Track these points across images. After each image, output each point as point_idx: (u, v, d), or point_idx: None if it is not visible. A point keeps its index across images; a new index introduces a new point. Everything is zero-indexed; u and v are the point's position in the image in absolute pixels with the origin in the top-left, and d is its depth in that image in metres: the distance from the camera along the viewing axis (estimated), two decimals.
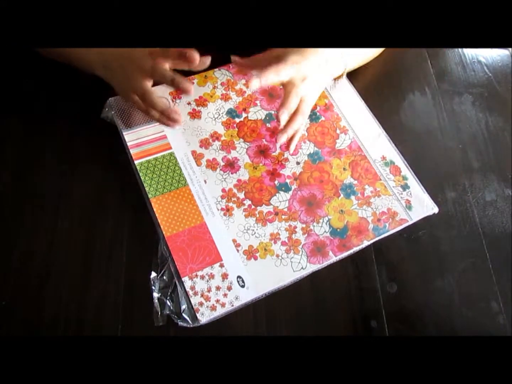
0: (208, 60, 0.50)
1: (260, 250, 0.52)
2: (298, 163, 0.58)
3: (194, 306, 0.48)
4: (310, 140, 0.60)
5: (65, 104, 0.59)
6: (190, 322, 0.47)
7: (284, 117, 0.53)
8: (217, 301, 0.48)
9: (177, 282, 0.49)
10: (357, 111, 0.62)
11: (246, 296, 0.49)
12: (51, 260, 0.50)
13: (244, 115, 0.60)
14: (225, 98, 0.61)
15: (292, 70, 0.52)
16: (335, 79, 0.61)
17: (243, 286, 0.49)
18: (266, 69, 0.50)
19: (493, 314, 0.52)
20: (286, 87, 0.53)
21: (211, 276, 0.50)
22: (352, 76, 0.64)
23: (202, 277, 0.49)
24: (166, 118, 0.53)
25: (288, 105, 0.53)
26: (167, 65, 0.51)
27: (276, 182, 0.56)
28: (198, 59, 0.48)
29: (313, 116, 0.61)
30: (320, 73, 0.56)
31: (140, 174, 0.55)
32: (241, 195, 0.55)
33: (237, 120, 0.60)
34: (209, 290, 0.49)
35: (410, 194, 0.57)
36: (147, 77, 0.51)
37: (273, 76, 0.51)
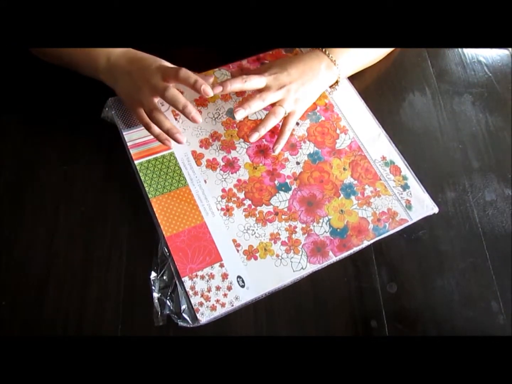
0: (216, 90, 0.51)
1: (260, 250, 0.52)
2: (298, 163, 0.58)
3: (194, 306, 0.48)
4: (310, 140, 0.60)
5: (65, 104, 0.59)
6: (190, 322, 0.47)
7: (239, 114, 0.53)
8: (217, 301, 0.48)
9: (177, 282, 0.49)
10: (357, 111, 0.62)
11: (246, 296, 0.49)
12: (51, 260, 0.50)
13: None
14: (225, 98, 0.61)
15: (278, 94, 0.55)
16: (330, 87, 0.62)
17: (243, 286, 0.49)
18: (251, 98, 0.54)
19: (493, 314, 0.52)
20: (262, 90, 0.55)
21: (211, 276, 0.50)
22: (352, 76, 0.64)
23: (202, 277, 0.49)
24: (167, 136, 0.52)
25: (248, 105, 0.53)
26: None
27: (276, 182, 0.56)
28: (211, 93, 0.49)
29: (313, 116, 0.61)
30: (303, 81, 0.57)
31: (140, 174, 0.55)
32: (241, 195, 0.55)
33: (237, 120, 0.60)
34: (209, 290, 0.49)
35: (410, 194, 0.57)
36: (156, 94, 0.51)
37: (258, 103, 0.54)
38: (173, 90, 0.49)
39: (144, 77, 0.51)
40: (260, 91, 0.55)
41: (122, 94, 0.54)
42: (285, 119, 0.57)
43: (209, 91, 0.49)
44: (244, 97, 0.61)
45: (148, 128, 0.53)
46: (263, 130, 0.56)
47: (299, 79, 0.56)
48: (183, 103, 0.49)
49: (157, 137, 0.54)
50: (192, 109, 0.49)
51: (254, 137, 0.55)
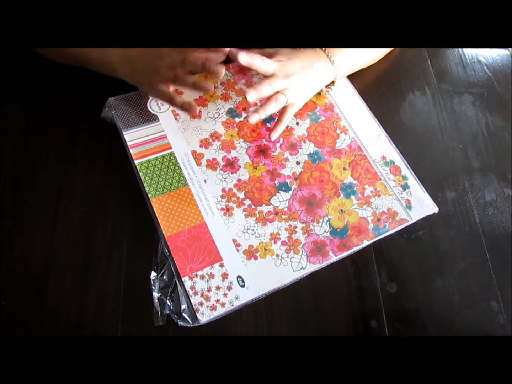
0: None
1: (260, 250, 0.52)
2: (298, 162, 0.58)
3: (194, 306, 0.48)
4: (310, 140, 0.60)
5: (65, 104, 0.59)
6: (190, 321, 0.47)
7: (251, 96, 0.54)
8: (217, 300, 0.48)
9: (177, 282, 0.49)
10: (357, 111, 0.62)
11: (246, 296, 0.49)
12: (51, 260, 0.50)
13: (244, 114, 0.60)
14: (225, 98, 0.61)
15: (284, 83, 0.56)
16: (326, 86, 0.62)
17: (243, 286, 0.49)
18: (260, 82, 0.55)
19: (493, 314, 0.52)
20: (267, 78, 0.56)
21: (211, 276, 0.50)
22: (352, 76, 0.64)
23: (202, 277, 0.49)
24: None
25: (259, 88, 0.54)
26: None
27: (276, 182, 0.56)
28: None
29: (313, 116, 0.61)
30: (304, 75, 0.57)
31: (140, 174, 0.55)
32: (241, 195, 0.55)
33: (237, 120, 0.60)
34: (209, 290, 0.49)
35: (410, 194, 0.57)
36: (179, 55, 0.54)
37: (267, 88, 0.55)
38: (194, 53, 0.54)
39: (162, 52, 0.54)
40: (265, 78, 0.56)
41: (143, 80, 0.56)
42: (284, 109, 0.57)
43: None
44: (244, 97, 0.61)
45: (171, 102, 0.55)
46: (263, 114, 0.55)
47: (301, 71, 0.57)
48: (193, 79, 0.54)
49: (182, 107, 0.55)
50: (214, 66, 0.53)
51: (254, 119, 0.55)
